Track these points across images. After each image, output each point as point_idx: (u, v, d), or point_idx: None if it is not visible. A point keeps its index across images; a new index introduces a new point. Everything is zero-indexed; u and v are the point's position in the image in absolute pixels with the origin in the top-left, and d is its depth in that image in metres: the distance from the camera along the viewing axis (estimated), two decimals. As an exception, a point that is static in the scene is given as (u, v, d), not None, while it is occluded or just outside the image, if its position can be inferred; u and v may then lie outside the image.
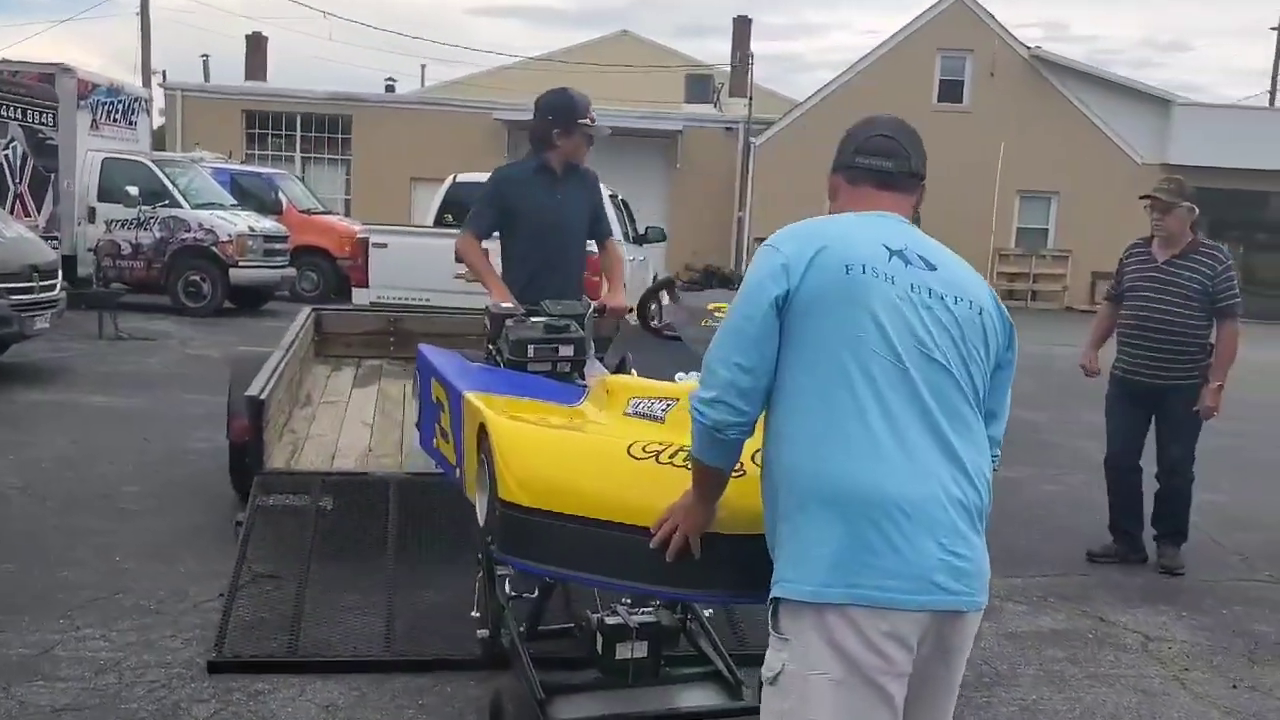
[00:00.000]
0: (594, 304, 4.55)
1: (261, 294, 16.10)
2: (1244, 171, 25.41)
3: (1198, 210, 5.62)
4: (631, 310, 4.57)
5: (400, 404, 6.64)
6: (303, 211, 18.45)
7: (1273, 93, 39.42)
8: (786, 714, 2.18)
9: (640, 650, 3.50)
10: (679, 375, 3.56)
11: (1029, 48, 26.61)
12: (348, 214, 23.14)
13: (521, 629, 3.79)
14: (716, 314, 3.24)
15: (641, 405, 2.77)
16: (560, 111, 4.73)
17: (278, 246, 15.93)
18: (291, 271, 16.42)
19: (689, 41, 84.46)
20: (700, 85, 32.70)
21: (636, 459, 2.56)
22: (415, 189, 25.62)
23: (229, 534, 5.04)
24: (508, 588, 3.96)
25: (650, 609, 3.64)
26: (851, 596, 2.10)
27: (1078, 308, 25.53)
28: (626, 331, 3.76)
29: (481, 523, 2.83)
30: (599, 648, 3.51)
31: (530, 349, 3.42)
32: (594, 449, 2.66)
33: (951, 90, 26.47)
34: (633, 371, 3.60)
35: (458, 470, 3.27)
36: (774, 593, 2.23)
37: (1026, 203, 26.51)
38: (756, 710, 3.49)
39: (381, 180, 26.18)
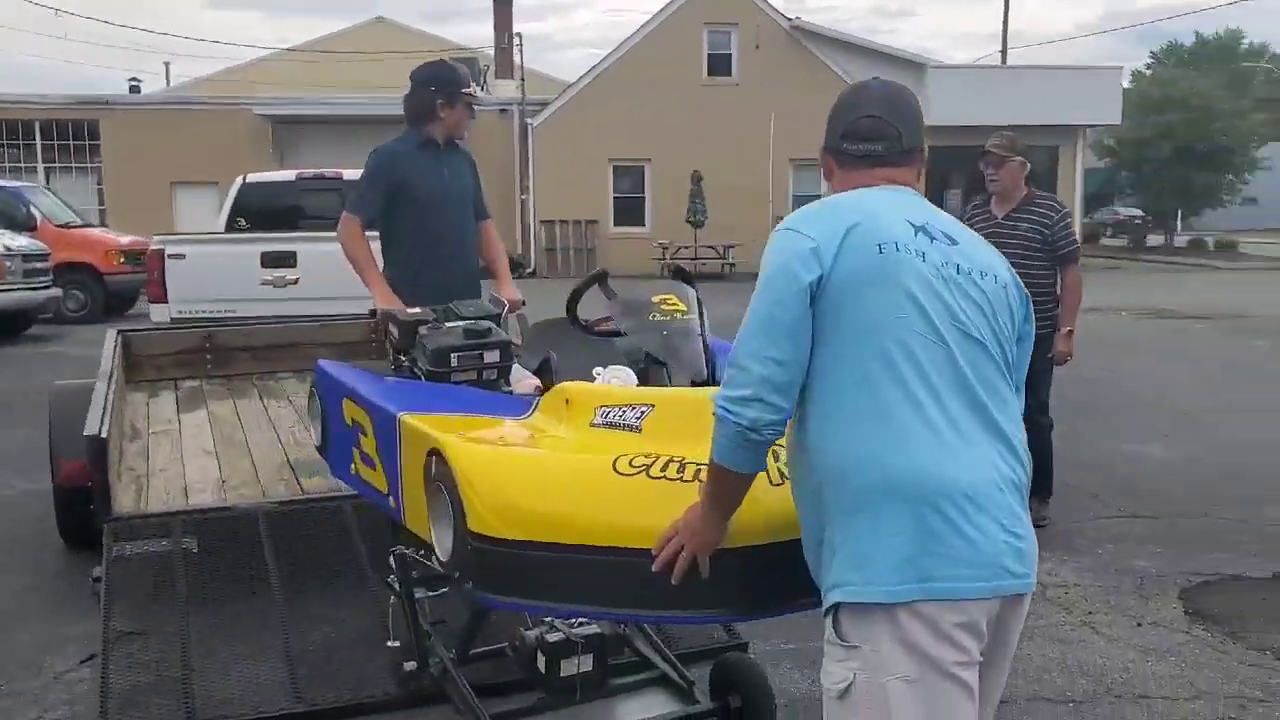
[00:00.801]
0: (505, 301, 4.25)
1: (22, 319, 14.78)
2: (996, 128, 26.83)
3: (1030, 164, 5.81)
4: (524, 303, 4.29)
5: (238, 426, 6.15)
6: (59, 226, 17.01)
7: (1004, 53, 42.09)
8: None
9: (586, 664, 3.31)
10: (596, 370, 3.35)
11: (789, 19, 27.37)
12: (103, 224, 21.53)
13: (452, 655, 3.53)
14: (664, 305, 3.02)
15: (612, 414, 2.54)
16: (443, 81, 4.43)
17: (39, 265, 14.65)
18: (56, 292, 15.12)
19: (441, 25, 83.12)
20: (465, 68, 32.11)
21: (625, 475, 2.33)
22: (178, 194, 24.13)
23: (70, 592, 4.53)
24: (428, 610, 3.71)
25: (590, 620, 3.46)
26: (926, 592, 1.99)
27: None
28: (540, 329, 3.49)
29: (444, 557, 2.54)
30: (541, 666, 3.30)
31: (454, 358, 3.13)
32: (574, 467, 2.41)
33: (720, 64, 26.97)
34: (557, 372, 3.35)
35: (392, 500, 2.95)
36: (834, 599, 2.08)
37: (801, 171, 27.29)
38: (712, 713, 3.40)
39: (138, 187, 24.53)
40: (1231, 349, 12.89)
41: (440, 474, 2.52)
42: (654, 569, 2.21)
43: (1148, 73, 48.87)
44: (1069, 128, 27.93)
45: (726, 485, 2.14)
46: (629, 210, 27.22)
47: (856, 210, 2.14)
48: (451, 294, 4.26)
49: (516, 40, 28.30)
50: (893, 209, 2.16)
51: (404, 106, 4.53)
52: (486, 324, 3.25)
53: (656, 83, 26.07)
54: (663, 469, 2.32)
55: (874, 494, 2.02)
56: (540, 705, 3.34)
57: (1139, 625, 4.35)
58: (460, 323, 3.24)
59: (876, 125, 2.28)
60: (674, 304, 2.98)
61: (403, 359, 3.30)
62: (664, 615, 2.40)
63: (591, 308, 3.38)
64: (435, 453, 2.56)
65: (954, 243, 2.17)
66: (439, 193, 4.42)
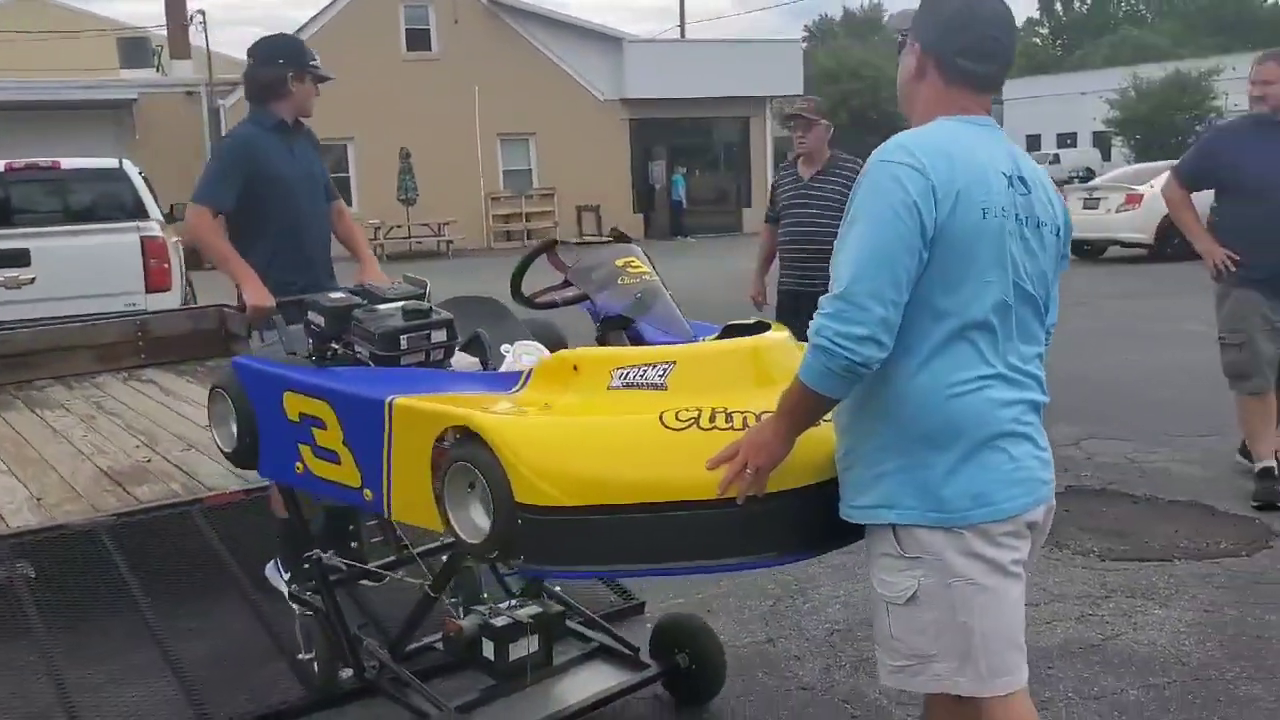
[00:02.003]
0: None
1: None
2: (690, 100, 27.97)
3: (833, 128, 6.12)
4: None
5: (22, 441, 5.59)
6: None
7: (682, 28, 43.64)
8: (935, 624, 2.23)
9: (533, 645, 3.29)
10: (504, 347, 3.30)
11: (487, -7, 27.23)
12: None
13: (384, 653, 3.41)
14: (630, 269, 3.03)
15: (632, 375, 2.53)
16: (291, 54, 4.15)
17: None
18: None
19: (105, 4, 76.57)
20: (137, 49, 29.96)
21: (675, 429, 2.35)
22: None
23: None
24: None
25: (523, 600, 3.43)
26: (987, 515, 2.21)
27: (568, 241, 26.82)
28: (447, 307, 3.36)
29: (474, 538, 2.46)
30: (490, 653, 3.25)
31: (403, 339, 2.99)
32: (620, 428, 2.40)
33: (419, 39, 26.47)
34: (502, 347, 3.27)
35: (367, 492, 2.79)
36: (893, 519, 2.24)
37: (507, 145, 27.31)
38: (662, 674, 3.45)
39: None
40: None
41: (466, 452, 2.43)
42: (719, 489, 2.26)
43: (803, 45, 51.91)
44: (758, 99, 29.38)
45: (812, 407, 2.23)
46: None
47: (967, 161, 2.19)
48: (312, 283, 4.05)
49: (200, 19, 26.58)
50: (991, 159, 2.24)
51: (247, 85, 4.23)
52: (425, 303, 3.13)
53: (354, 59, 25.13)
54: (711, 420, 2.36)
55: (939, 431, 2.19)
56: (497, 692, 3.28)
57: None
58: (395, 304, 3.10)
59: (997, 47, 2.28)
60: (638, 266, 3.01)
61: (335, 346, 3.11)
62: (724, 564, 2.42)
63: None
64: (458, 431, 2.47)
65: (1028, 190, 2.29)
66: (294, 178, 4.17)
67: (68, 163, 9.52)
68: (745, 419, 2.37)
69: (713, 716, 3.50)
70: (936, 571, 2.21)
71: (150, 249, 8.43)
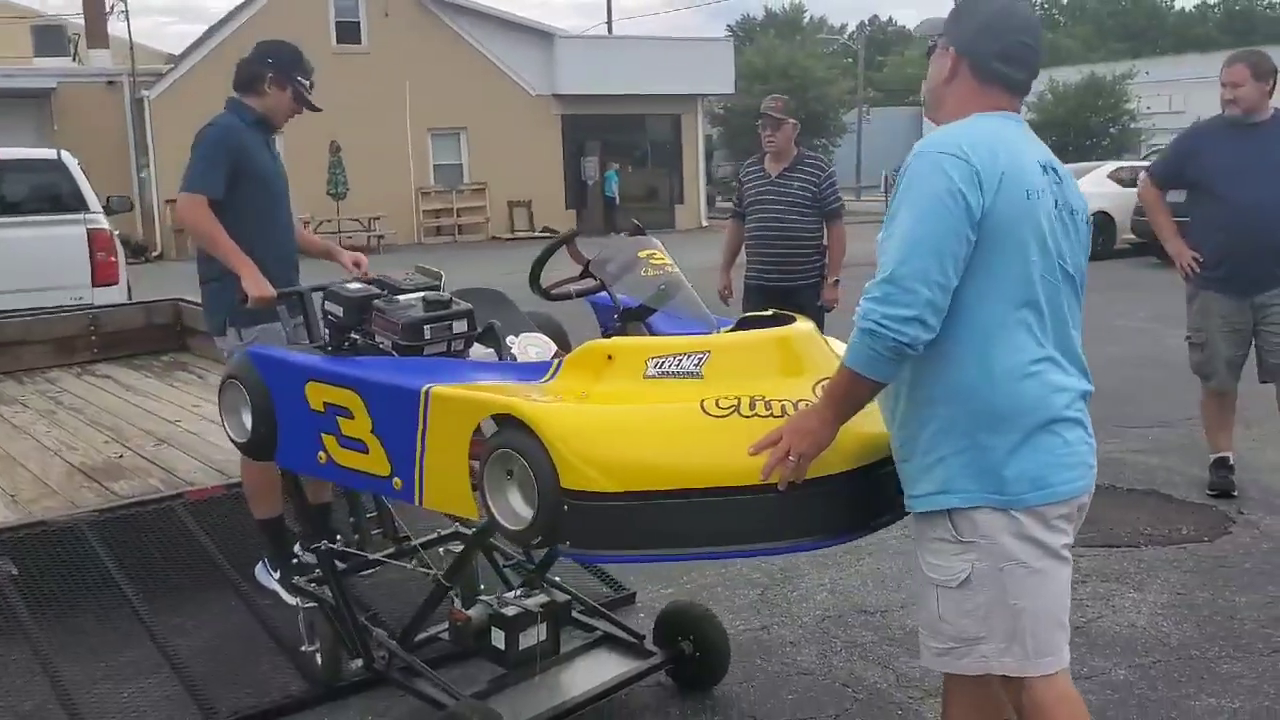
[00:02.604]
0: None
1: None
2: (622, 97, 28.00)
3: (799, 126, 6.22)
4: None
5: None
6: None
7: (610, 24, 43.65)
8: (985, 606, 2.31)
9: (541, 634, 3.33)
10: (510, 339, 3.32)
11: (417, -14, 26.96)
12: None
13: (393, 643, 3.41)
14: (653, 260, 3.07)
15: (667, 364, 2.57)
16: (282, 60, 4.11)
17: None
18: None
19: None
20: (53, 37, 29.19)
21: (717, 416, 2.41)
22: None
23: None
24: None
25: (526, 590, 3.46)
26: (1044, 498, 2.28)
27: (501, 236, 26.79)
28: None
29: (515, 525, 2.48)
30: (500, 641, 3.28)
31: (426, 329, 2.99)
32: (662, 416, 2.44)
33: (349, 31, 26.11)
34: (507, 339, 3.28)
35: (396, 480, 2.79)
36: (954, 504, 2.30)
37: (438, 139, 27.06)
38: (667, 662, 3.50)
39: None
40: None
41: (508, 440, 2.46)
42: (762, 474, 2.31)
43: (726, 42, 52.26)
44: (689, 97, 29.50)
45: (859, 393, 2.29)
46: (262, 185, 25.86)
47: (1008, 150, 2.28)
48: (286, 279, 4.03)
49: (122, 8, 25.90)
50: (1028, 149, 2.34)
51: (236, 71, 4.18)
52: (445, 294, 3.14)
53: (283, 50, 24.88)
54: (751, 408, 2.41)
55: (1003, 413, 2.27)
56: (510, 680, 3.30)
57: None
58: (415, 294, 3.10)
59: (1029, 55, 2.38)
60: (660, 258, 3.05)
61: (354, 336, 3.10)
62: (765, 548, 2.48)
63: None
64: (501, 419, 2.49)
65: (1059, 178, 2.40)
66: (274, 174, 4.14)
67: (3, 152, 9.29)
68: (783, 407, 2.42)
69: (716, 702, 3.56)
70: (990, 555, 2.28)
71: (97, 242, 8.26)
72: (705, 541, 2.41)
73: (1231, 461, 5.46)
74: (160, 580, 4.12)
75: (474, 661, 3.55)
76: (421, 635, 3.50)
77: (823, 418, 2.32)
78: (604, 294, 3.21)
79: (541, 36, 27.93)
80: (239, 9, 25.88)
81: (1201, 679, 3.58)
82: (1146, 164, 19.46)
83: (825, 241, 6.22)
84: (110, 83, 25.19)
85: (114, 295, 8.30)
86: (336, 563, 3.50)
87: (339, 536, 3.84)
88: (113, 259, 8.37)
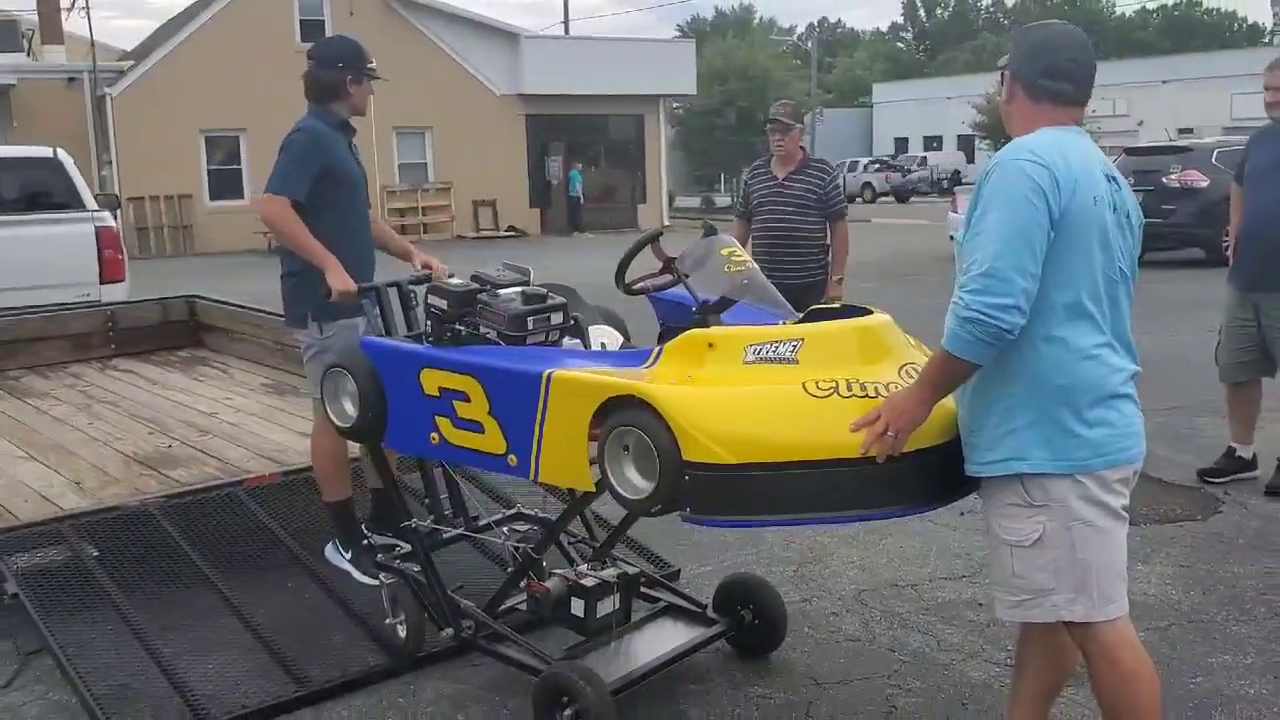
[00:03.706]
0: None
1: None
2: (587, 97, 28.26)
3: (806, 132, 6.52)
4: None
5: (28, 428, 5.61)
6: None
7: (566, 24, 43.86)
8: (1055, 561, 2.62)
9: (615, 603, 3.60)
10: (594, 329, 3.61)
11: (382, -15, 27.03)
12: None
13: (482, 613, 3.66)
14: (734, 258, 3.35)
15: (765, 350, 2.84)
16: (351, 58, 4.31)
17: None
18: None
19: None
20: (5, 33, 28.83)
21: (818, 397, 2.69)
22: None
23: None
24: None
25: (596, 564, 3.73)
26: (1108, 464, 2.61)
27: (466, 235, 26.92)
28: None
29: (635, 495, 2.74)
30: (579, 610, 3.54)
31: (529, 321, 3.25)
32: (771, 395, 2.72)
33: (314, 30, 25.98)
34: (590, 330, 3.54)
35: (512, 458, 3.05)
36: (1025, 469, 2.60)
37: (403, 138, 27.14)
38: (729, 629, 3.77)
39: None
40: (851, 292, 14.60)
41: (631, 418, 2.72)
42: (862, 449, 2.59)
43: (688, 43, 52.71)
44: (651, 97, 29.83)
45: (957, 375, 2.59)
46: (226, 182, 25.76)
47: (1079, 160, 2.59)
48: (364, 272, 4.25)
49: (83, 4, 25.62)
50: (1092, 159, 2.65)
51: (307, 85, 4.37)
52: (541, 288, 3.39)
53: (247, 49, 24.81)
54: (849, 389, 2.69)
55: (1070, 389, 2.58)
56: (593, 646, 3.55)
57: (961, 515, 5.15)
58: (514, 289, 3.35)
59: (1074, 69, 2.68)
60: (740, 256, 3.33)
61: (459, 328, 3.35)
62: (857, 515, 2.76)
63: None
64: (624, 399, 2.75)
65: (1119, 186, 2.71)
66: (356, 175, 4.35)
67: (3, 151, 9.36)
68: (876, 389, 2.71)
69: (775, 666, 3.83)
70: (1059, 516, 2.59)
71: (105, 239, 8.37)
72: (810, 508, 2.70)
73: (1240, 454, 5.76)
74: (231, 560, 4.31)
75: (543, 632, 3.82)
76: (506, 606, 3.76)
77: (920, 398, 2.61)
78: (673, 291, 3.49)
79: (507, 37, 28.12)
80: (202, 5, 25.80)
81: (1214, 640, 3.93)
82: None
83: (829, 241, 6.52)
84: (71, 79, 24.98)
85: (120, 292, 8.42)
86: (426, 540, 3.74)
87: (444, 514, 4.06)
88: (120, 256, 8.49)
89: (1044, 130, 2.67)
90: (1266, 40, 28.62)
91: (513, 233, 27.84)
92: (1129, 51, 70.68)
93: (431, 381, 3.22)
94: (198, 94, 24.53)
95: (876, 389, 2.71)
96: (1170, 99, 46.16)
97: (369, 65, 4.37)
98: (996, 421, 2.64)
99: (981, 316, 2.46)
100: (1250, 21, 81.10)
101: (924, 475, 2.74)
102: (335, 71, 4.31)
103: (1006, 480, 2.65)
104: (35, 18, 28.96)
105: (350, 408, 3.48)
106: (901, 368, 2.82)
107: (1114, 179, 2.69)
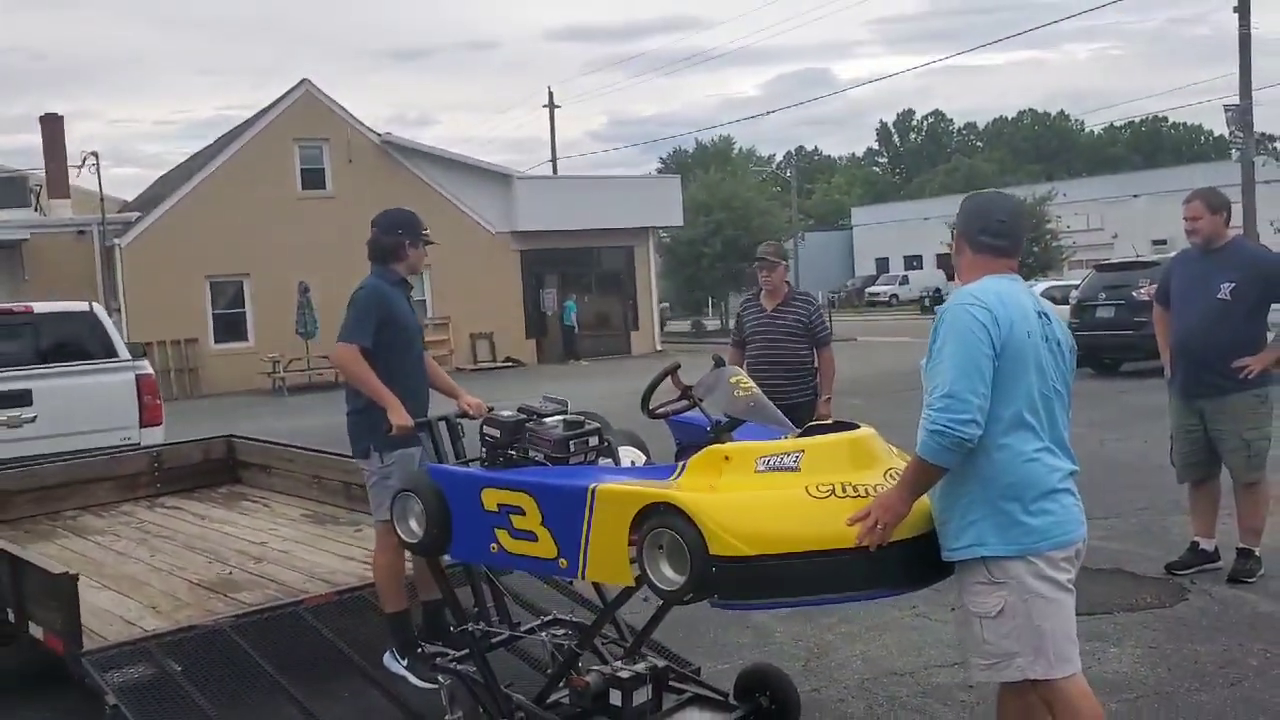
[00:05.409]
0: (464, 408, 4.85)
1: None
2: (578, 232, 29.34)
3: (790, 268, 7.22)
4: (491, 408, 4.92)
5: (95, 563, 6.11)
6: None
7: (554, 162, 45.38)
8: (1016, 629, 3.17)
9: (648, 693, 4.11)
10: (623, 449, 4.20)
11: (379, 134, 28.26)
12: None
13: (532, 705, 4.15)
14: (741, 385, 3.97)
15: (773, 460, 3.42)
16: (409, 226, 4.99)
17: None
18: None
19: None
20: (14, 188, 29.95)
21: (818, 498, 3.26)
22: None
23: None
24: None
25: (629, 660, 4.24)
26: (1053, 545, 3.20)
27: (465, 367, 27.62)
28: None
29: (669, 586, 3.28)
30: (617, 700, 4.04)
31: (572, 444, 3.84)
32: (778, 498, 3.29)
33: (314, 178, 27.26)
34: (619, 450, 4.13)
35: (562, 561, 3.60)
36: (985, 553, 3.18)
37: (403, 277, 27.99)
38: (748, 715, 4.27)
39: None
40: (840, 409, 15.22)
41: (665, 521, 3.29)
42: (857, 540, 3.14)
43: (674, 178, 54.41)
44: (641, 229, 30.98)
45: (930, 477, 3.17)
46: (230, 326, 26.58)
47: (1013, 302, 3.22)
48: (419, 408, 4.85)
49: (93, 160, 26.76)
50: (1026, 300, 3.29)
51: (371, 249, 5.04)
52: (579, 416, 4.00)
53: (251, 197, 25.89)
54: (843, 490, 3.27)
55: (1018, 486, 3.18)
56: None
57: (952, 610, 5.68)
58: (556, 417, 3.96)
59: (1006, 227, 3.34)
60: (747, 383, 3.94)
61: (511, 453, 3.94)
62: (855, 595, 3.32)
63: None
64: (658, 506, 3.33)
65: (1050, 321, 3.34)
66: (414, 326, 5.00)
67: (39, 307, 10.01)
68: (867, 489, 3.29)
69: (789, 747, 4.32)
70: (1017, 591, 3.16)
71: (145, 386, 8.99)
72: (817, 590, 3.25)
73: (1203, 547, 6.30)
74: (298, 670, 4.80)
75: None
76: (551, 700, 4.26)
77: (901, 496, 3.19)
78: (687, 414, 4.10)
79: (500, 178, 29.33)
80: (207, 158, 26.93)
81: (1176, 707, 4.45)
82: (1074, 283, 20.80)
83: (816, 364, 7.16)
84: (80, 232, 25.93)
85: (158, 435, 9.00)
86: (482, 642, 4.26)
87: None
88: (158, 402, 9.10)
89: (986, 279, 3.32)
90: (1232, 156, 29.92)
91: (510, 363, 28.61)
92: (1101, 168, 72.95)
93: (491, 499, 3.79)
94: (203, 242, 25.49)
95: (866, 490, 3.28)
96: (1143, 212, 47.68)
97: (424, 231, 5.05)
98: (960, 514, 3.22)
99: (946, 429, 3.07)
100: (1216, 134, 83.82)
101: (908, 561, 3.30)
102: (395, 237, 4.98)
103: (973, 563, 3.22)
104: (43, 173, 30.25)
105: (417, 526, 4.04)
106: (886, 472, 3.40)
107: (1045, 314, 3.33)
